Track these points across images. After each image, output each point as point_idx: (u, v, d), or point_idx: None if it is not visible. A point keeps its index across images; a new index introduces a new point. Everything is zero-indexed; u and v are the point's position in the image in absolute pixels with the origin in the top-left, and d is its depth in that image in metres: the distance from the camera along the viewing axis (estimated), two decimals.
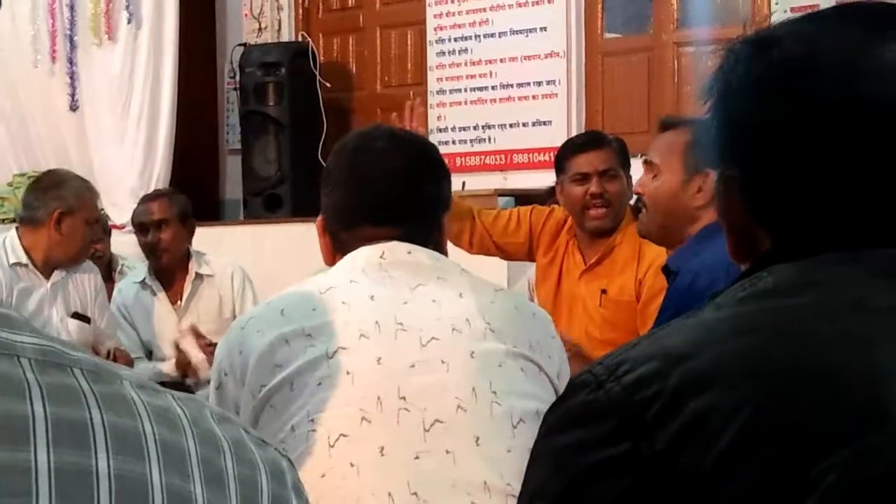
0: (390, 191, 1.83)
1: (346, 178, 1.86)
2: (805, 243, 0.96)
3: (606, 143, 3.74)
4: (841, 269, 0.94)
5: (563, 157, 3.71)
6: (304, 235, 5.58)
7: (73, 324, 3.94)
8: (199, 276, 4.38)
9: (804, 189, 0.96)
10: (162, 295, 4.37)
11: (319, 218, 1.91)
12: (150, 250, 4.33)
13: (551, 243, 3.80)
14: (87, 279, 4.04)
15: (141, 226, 4.34)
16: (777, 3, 5.43)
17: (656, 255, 3.47)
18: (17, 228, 3.97)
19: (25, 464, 0.58)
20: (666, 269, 2.66)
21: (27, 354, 0.61)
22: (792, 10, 5.25)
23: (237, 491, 0.64)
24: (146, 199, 4.43)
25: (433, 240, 1.86)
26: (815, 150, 0.95)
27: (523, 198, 5.62)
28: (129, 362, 3.99)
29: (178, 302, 4.38)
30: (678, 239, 2.68)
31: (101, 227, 4.14)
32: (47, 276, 3.92)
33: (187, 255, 4.40)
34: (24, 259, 3.86)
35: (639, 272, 3.56)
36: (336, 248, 1.87)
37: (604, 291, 3.62)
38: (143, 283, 4.38)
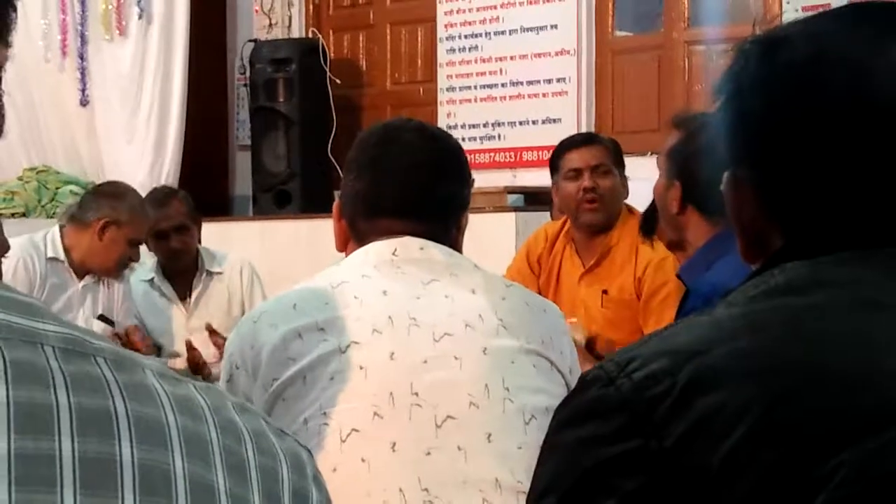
0: (415, 185, 1.83)
1: (373, 168, 1.85)
2: (817, 242, 0.96)
3: (599, 140, 3.82)
4: (853, 269, 0.94)
5: (556, 156, 3.75)
6: (314, 231, 5.59)
7: (98, 325, 3.94)
8: (209, 274, 4.35)
9: (815, 188, 0.96)
10: (171, 293, 4.35)
11: (336, 202, 1.91)
12: (172, 256, 4.27)
13: (547, 257, 3.82)
14: (116, 284, 4.05)
15: (160, 233, 4.21)
16: (788, 3, 5.42)
17: (653, 252, 3.50)
18: (61, 226, 3.96)
19: (50, 453, 0.58)
20: (680, 277, 2.66)
21: (50, 342, 0.61)
22: (803, 8, 5.24)
23: (258, 480, 0.65)
24: (156, 204, 4.22)
25: (451, 237, 1.86)
26: (824, 149, 0.95)
27: (532, 195, 5.63)
28: (145, 339, 3.99)
29: (188, 299, 4.36)
30: (680, 242, 2.67)
31: (139, 251, 4.08)
32: (80, 276, 3.93)
33: (196, 253, 4.37)
34: (62, 256, 3.87)
35: (637, 270, 3.59)
36: (352, 235, 1.87)
37: (605, 292, 3.65)
38: (151, 281, 4.35)
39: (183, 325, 4.33)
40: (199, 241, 4.41)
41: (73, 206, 4.05)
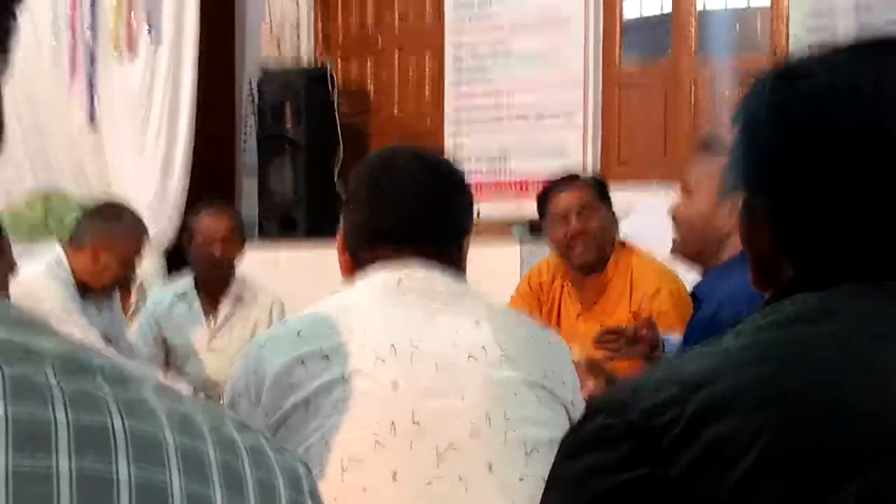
0: (412, 211, 1.83)
1: (368, 198, 1.86)
2: (828, 273, 0.96)
3: (581, 181, 3.81)
4: (862, 300, 0.95)
5: (541, 201, 3.77)
6: (319, 257, 5.59)
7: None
8: (239, 300, 4.41)
9: (827, 219, 0.97)
10: (198, 308, 4.39)
11: (339, 235, 1.91)
12: (210, 264, 4.32)
13: (549, 288, 3.85)
14: (108, 300, 4.08)
15: (209, 239, 4.28)
16: (795, 35, 5.44)
17: (647, 285, 3.53)
18: (61, 246, 3.97)
19: (47, 470, 0.58)
20: (693, 296, 2.68)
21: (49, 359, 0.62)
22: (809, 38, 5.25)
23: (256, 497, 0.65)
24: (210, 212, 4.33)
25: (453, 263, 1.86)
26: (837, 180, 0.96)
27: (538, 225, 5.62)
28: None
29: (212, 318, 4.39)
30: (710, 262, 2.68)
31: (134, 270, 4.11)
32: (83, 297, 3.95)
33: (232, 274, 4.41)
34: (72, 279, 3.89)
35: (632, 304, 3.60)
36: (356, 265, 1.87)
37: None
38: (182, 295, 4.39)
39: (205, 344, 4.37)
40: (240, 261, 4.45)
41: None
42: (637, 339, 3.01)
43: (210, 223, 4.29)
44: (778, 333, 0.94)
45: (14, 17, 0.69)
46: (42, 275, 3.78)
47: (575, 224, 3.63)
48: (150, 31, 6.85)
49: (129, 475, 0.59)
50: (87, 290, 3.91)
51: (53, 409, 0.59)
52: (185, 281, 4.46)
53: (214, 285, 4.40)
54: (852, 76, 0.98)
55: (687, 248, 2.74)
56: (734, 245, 2.59)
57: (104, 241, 3.83)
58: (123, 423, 0.61)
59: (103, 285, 3.92)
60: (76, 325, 3.74)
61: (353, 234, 1.88)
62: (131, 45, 6.94)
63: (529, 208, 6.00)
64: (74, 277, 3.89)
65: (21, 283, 3.72)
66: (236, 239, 4.33)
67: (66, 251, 3.90)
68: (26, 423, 0.59)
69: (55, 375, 0.61)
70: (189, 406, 0.66)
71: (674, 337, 3.05)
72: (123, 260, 3.88)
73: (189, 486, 0.61)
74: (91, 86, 7.06)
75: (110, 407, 0.61)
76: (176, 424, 0.63)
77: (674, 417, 0.88)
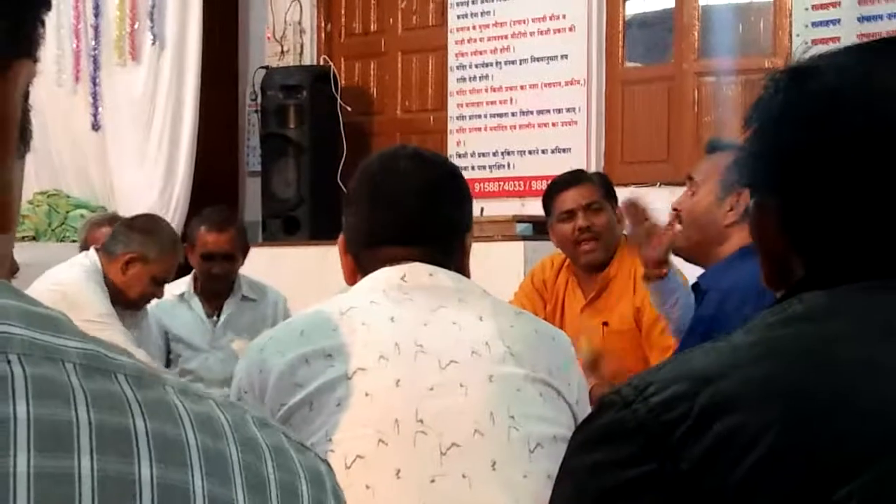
0: (412, 212, 1.84)
1: (368, 199, 1.87)
2: (838, 272, 0.97)
3: (587, 178, 3.84)
4: (871, 298, 0.95)
5: (548, 198, 3.78)
6: (322, 258, 5.60)
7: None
8: (244, 299, 4.42)
9: (838, 218, 0.97)
10: (199, 309, 4.39)
11: (341, 237, 1.92)
12: (211, 278, 4.32)
13: (552, 285, 3.87)
14: (139, 315, 4.07)
15: (207, 255, 4.28)
16: (798, 35, 5.44)
17: None
18: (97, 251, 3.96)
19: (69, 470, 0.58)
20: (696, 287, 2.68)
21: (72, 359, 0.61)
22: (813, 41, 5.25)
23: (278, 497, 0.64)
24: (213, 227, 4.28)
25: (455, 261, 1.86)
26: (847, 179, 0.96)
27: (541, 224, 5.63)
28: None
29: (215, 318, 4.40)
30: (709, 256, 2.70)
31: (163, 288, 4.06)
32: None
33: (234, 281, 4.42)
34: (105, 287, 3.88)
35: (636, 300, 3.62)
36: (358, 267, 1.88)
37: (605, 324, 3.69)
38: (181, 295, 4.39)
39: (208, 343, 4.38)
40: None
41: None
42: (651, 235, 2.93)
43: (209, 240, 4.25)
44: (786, 331, 0.94)
45: (43, 25, 0.69)
46: (83, 279, 3.77)
47: (582, 221, 3.64)
48: (154, 39, 6.86)
49: (152, 476, 0.59)
50: (116, 301, 3.89)
51: (76, 409, 0.59)
52: (183, 281, 4.45)
53: (215, 293, 4.41)
54: (863, 76, 0.98)
55: (688, 241, 2.75)
56: (735, 242, 2.61)
57: (135, 254, 3.81)
58: (146, 424, 0.61)
59: (130, 298, 3.89)
60: (117, 332, 3.73)
61: (354, 235, 1.89)
62: (134, 53, 6.95)
63: (533, 207, 6.04)
64: (106, 285, 3.88)
65: (62, 285, 3.74)
66: (237, 254, 4.31)
67: (100, 258, 3.89)
68: (49, 423, 0.58)
69: (77, 375, 0.60)
70: (211, 406, 0.65)
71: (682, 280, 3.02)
72: (153, 276, 3.85)
73: (211, 488, 0.61)
74: (95, 92, 7.07)
75: (132, 407, 0.61)
76: (198, 425, 0.63)
77: (684, 412, 0.89)
